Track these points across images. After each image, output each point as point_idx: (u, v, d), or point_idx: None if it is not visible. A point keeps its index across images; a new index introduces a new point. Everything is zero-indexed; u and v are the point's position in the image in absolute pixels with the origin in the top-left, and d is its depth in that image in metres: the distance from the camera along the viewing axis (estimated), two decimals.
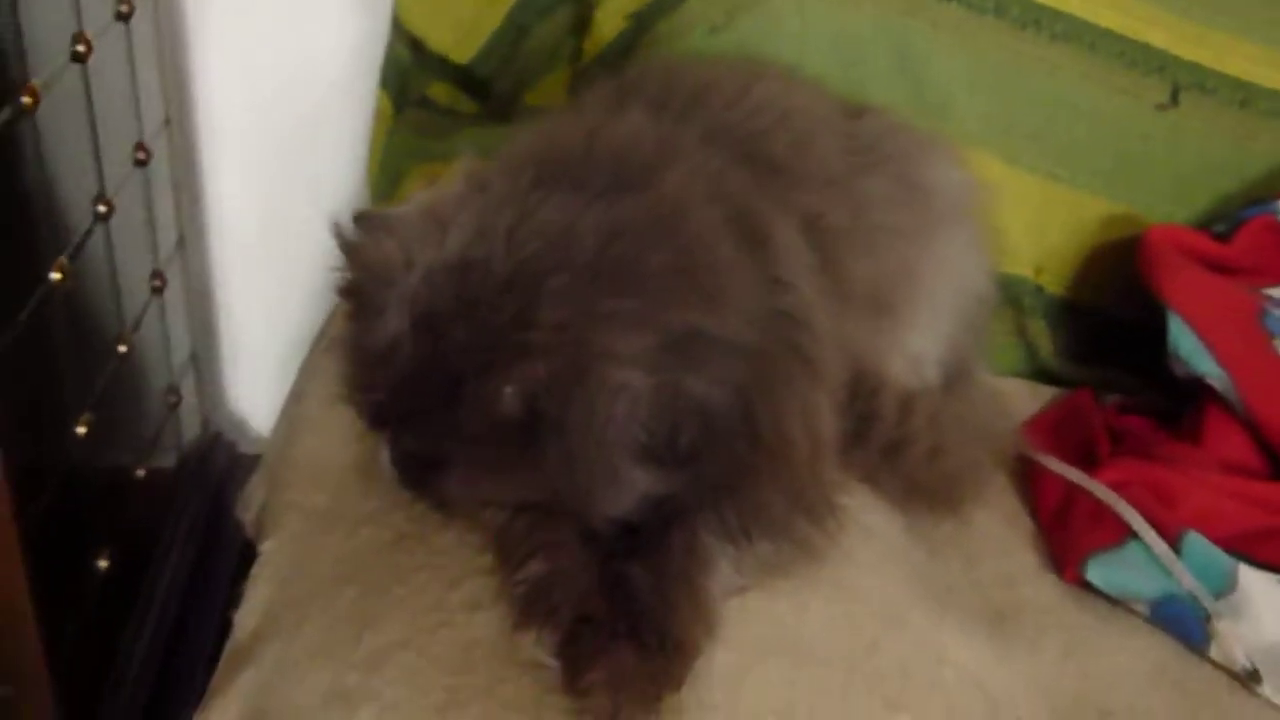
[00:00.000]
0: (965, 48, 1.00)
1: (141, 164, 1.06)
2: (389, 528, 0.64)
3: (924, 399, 0.79)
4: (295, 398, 0.87)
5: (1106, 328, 1.05)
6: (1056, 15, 1.01)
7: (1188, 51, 1.03)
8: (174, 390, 1.17)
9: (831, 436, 0.65)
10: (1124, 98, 1.03)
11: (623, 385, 0.56)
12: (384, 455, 0.62)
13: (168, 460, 1.18)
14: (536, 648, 0.56)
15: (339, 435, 0.72)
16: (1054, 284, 1.04)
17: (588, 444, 0.56)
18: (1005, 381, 1.02)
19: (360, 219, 0.63)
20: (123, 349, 1.01)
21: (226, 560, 1.17)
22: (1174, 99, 1.03)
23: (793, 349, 0.62)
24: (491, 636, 0.58)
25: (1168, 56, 1.02)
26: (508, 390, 0.56)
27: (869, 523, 0.74)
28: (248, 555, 0.74)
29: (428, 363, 0.57)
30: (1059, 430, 0.92)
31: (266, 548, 0.69)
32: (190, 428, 1.25)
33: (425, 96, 1.12)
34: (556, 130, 0.67)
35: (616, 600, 0.57)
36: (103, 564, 0.95)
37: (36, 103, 0.76)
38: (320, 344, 0.90)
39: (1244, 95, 1.03)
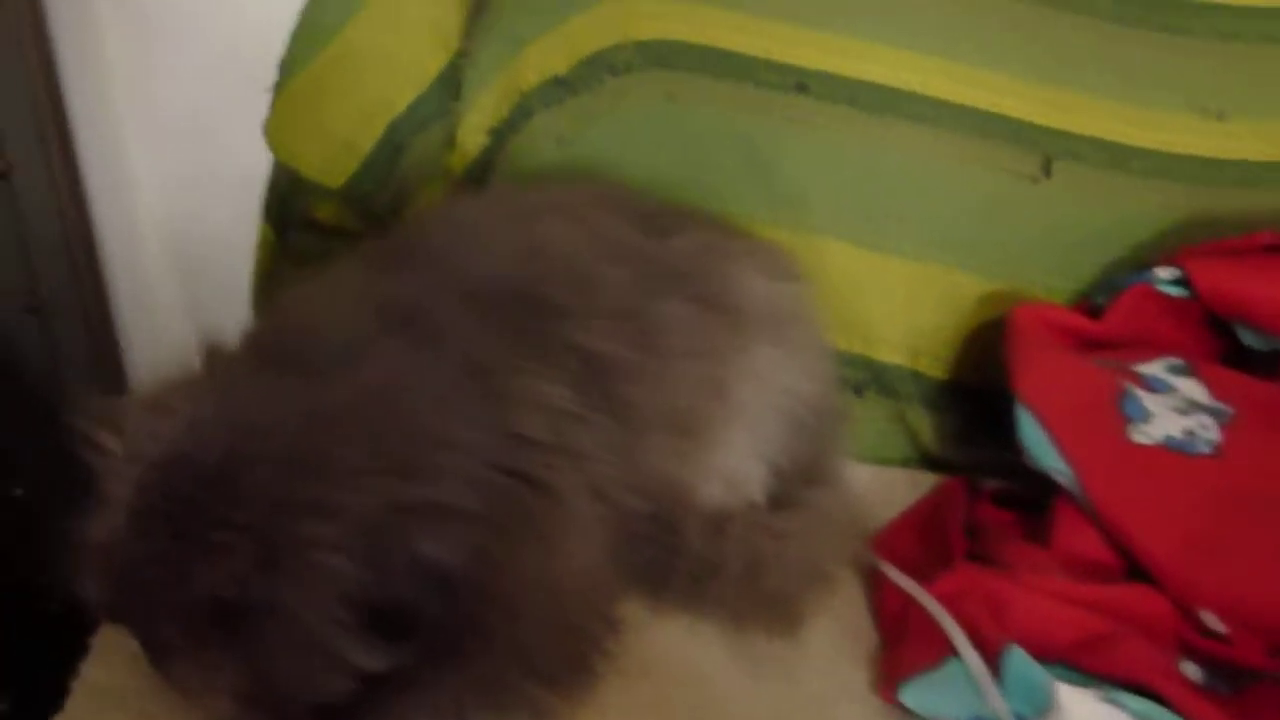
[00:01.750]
0: (820, 139, 0.99)
1: None
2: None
3: (738, 520, 0.78)
4: None
5: (990, 406, 1.02)
6: (912, 98, 1.00)
7: (1053, 119, 1.00)
8: None
9: (584, 587, 0.65)
10: (993, 173, 1.01)
11: (323, 568, 0.57)
12: None
13: None
14: None
15: None
16: (932, 367, 1.02)
17: (296, 630, 0.57)
18: (886, 472, 1.00)
19: (90, 411, 0.65)
20: None
21: None
22: (1046, 170, 1.01)
23: (525, 507, 0.62)
24: None
25: (1033, 127, 1.00)
26: (213, 583, 0.57)
27: (680, 654, 0.74)
28: None
29: (141, 560, 0.59)
30: (924, 528, 0.90)
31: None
32: None
33: (311, 219, 1.15)
34: (298, 305, 0.68)
35: None
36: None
37: None
38: None
39: (1116, 157, 1.00)
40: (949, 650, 0.75)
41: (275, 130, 1.10)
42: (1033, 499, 0.92)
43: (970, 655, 0.74)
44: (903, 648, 0.78)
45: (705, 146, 0.98)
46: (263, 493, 0.57)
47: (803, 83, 0.99)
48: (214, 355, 0.66)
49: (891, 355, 1.01)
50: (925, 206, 1.01)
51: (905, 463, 1.02)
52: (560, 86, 1.00)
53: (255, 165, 1.18)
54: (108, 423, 0.63)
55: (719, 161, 0.98)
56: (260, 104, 1.11)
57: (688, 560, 0.75)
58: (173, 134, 1.22)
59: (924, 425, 1.01)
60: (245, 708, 0.60)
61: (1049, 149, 1.00)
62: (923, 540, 0.89)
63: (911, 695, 0.74)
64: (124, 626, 0.62)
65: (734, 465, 0.80)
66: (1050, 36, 1.01)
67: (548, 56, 1.00)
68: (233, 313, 1.23)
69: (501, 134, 1.04)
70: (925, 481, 0.98)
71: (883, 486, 0.97)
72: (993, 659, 0.74)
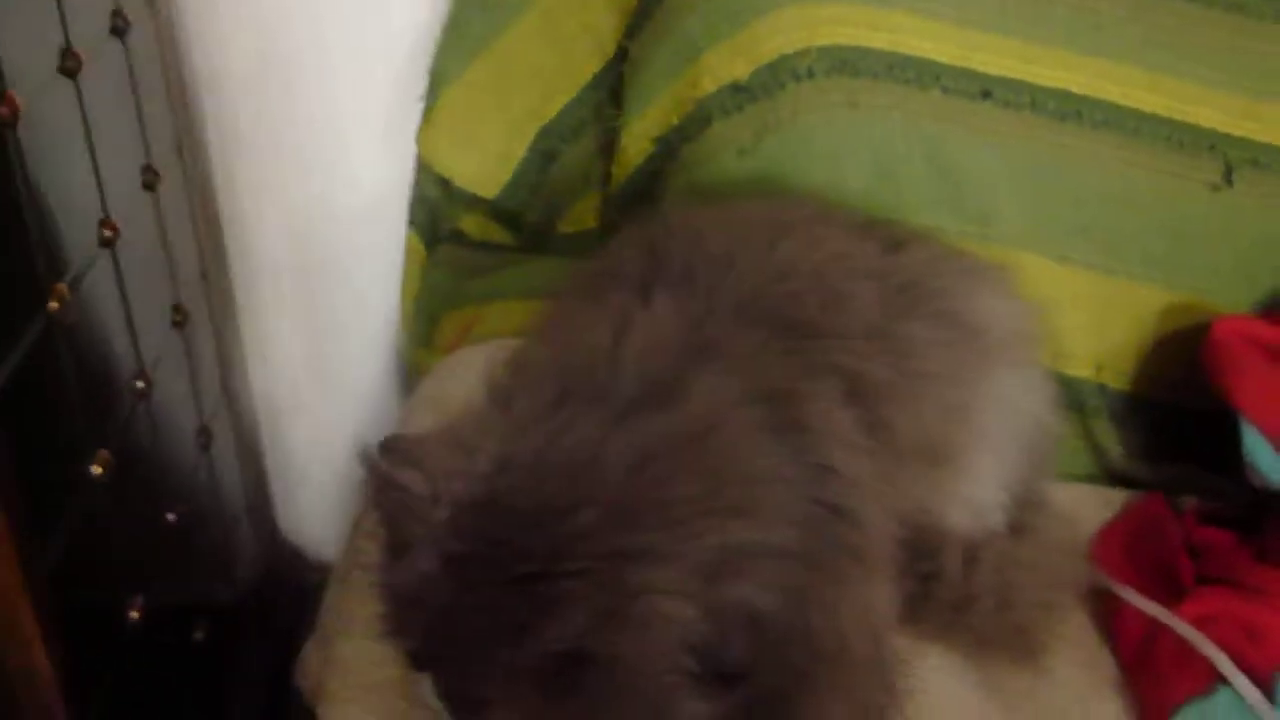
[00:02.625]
0: (1003, 148, 0.97)
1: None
2: None
3: (989, 549, 0.76)
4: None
5: (1177, 422, 1.01)
6: (1096, 104, 0.97)
7: (1236, 127, 0.98)
8: (204, 431, 1.11)
9: (889, 628, 0.62)
10: (1175, 181, 0.98)
11: (666, 617, 0.54)
12: (427, 687, 0.60)
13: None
14: None
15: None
16: (1118, 381, 1.00)
17: (637, 682, 0.54)
18: (1074, 488, 0.97)
19: (387, 448, 0.61)
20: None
21: None
22: (1227, 178, 0.99)
23: (841, 544, 0.59)
24: None
25: (1216, 135, 0.98)
26: (550, 637, 0.54)
27: (938, 687, 0.71)
28: None
29: (460, 607, 0.55)
30: (1133, 548, 0.88)
31: None
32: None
33: (457, 230, 1.11)
34: (579, 333, 0.65)
35: None
36: (134, 615, 0.87)
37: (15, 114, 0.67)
38: (343, 569, 0.89)
39: None
40: (1215, 677, 0.73)
41: (428, 140, 1.07)
42: (1237, 517, 0.90)
43: (1243, 683, 0.72)
44: (1158, 678, 0.76)
45: (890, 156, 0.96)
46: (593, 538, 0.54)
47: (987, 89, 0.96)
48: (497, 388, 0.62)
49: (1079, 369, 0.98)
50: (1111, 217, 0.98)
51: (1091, 479, 0.99)
52: (739, 93, 0.97)
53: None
54: (409, 461, 0.59)
55: (905, 171, 0.96)
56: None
57: (947, 590, 0.73)
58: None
59: (1111, 440, 0.99)
60: None
61: (1230, 156, 0.98)
62: (1132, 560, 0.86)
63: None
64: (433, 675, 0.58)
65: (980, 494, 0.77)
66: (1228, 42, 0.99)
67: (726, 62, 0.96)
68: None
69: (671, 142, 1.01)
70: (1116, 499, 0.96)
71: (1074, 503, 0.95)
72: (1264, 685, 0.72)
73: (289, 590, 1.30)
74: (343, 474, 1.32)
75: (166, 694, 0.96)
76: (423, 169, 1.10)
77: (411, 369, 1.11)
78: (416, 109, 1.07)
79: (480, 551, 0.55)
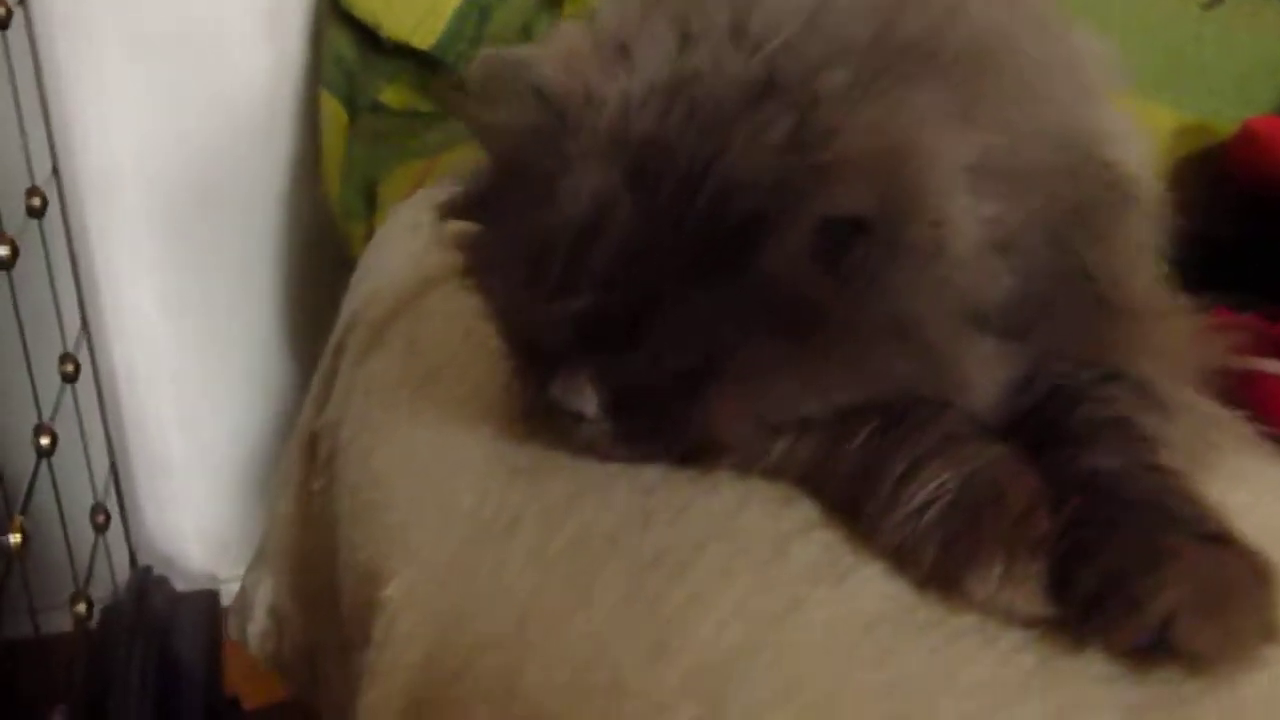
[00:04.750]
0: None
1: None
2: (598, 517, 0.43)
3: None
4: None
5: (1201, 252, 0.93)
6: None
7: None
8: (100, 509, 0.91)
9: None
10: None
11: (964, 211, 0.39)
12: (573, 405, 0.42)
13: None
14: (995, 594, 0.37)
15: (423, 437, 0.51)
16: None
17: (932, 299, 0.38)
18: None
19: (484, 62, 0.44)
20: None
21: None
22: None
23: (1113, 181, 0.46)
24: (885, 608, 0.38)
25: None
26: (808, 241, 0.38)
27: None
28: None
29: (661, 226, 0.39)
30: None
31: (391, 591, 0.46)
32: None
33: (377, 102, 0.94)
34: None
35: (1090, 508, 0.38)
36: None
37: None
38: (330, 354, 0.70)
39: None
40: None
41: None
42: None
43: None
44: None
45: None
46: (855, 100, 0.39)
47: None
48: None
49: None
50: (1115, 36, 0.92)
51: None
52: None
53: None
54: (522, 67, 0.42)
55: None
56: None
57: None
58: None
59: None
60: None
61: None
62: None
63: None
64: (614, 356, 0.40)
65: None
66: None
67: None
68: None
69: None
70: None
71: None
72: None
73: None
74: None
75: None
76: (335, 24, 0.92)
77: (345, 245, 0.92)
78: None
79: (683, 141, 0.39)
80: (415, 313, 0.62)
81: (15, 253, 0.75)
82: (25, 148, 0.87)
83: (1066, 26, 0.60)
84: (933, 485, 0.38)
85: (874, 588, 0.37)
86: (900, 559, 0.38)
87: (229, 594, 1.12)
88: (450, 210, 0.47)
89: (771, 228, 0.38)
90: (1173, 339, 0.47)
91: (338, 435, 0.60)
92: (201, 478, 1.13)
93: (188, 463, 1.12)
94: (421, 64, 0.94)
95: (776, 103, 0.39)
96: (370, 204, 0.88)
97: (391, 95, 0.95)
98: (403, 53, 0.93)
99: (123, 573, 1.03)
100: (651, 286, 0.39)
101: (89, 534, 0.94)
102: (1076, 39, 0.67)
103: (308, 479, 0.67)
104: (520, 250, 0.41)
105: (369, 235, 0.84)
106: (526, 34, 0.95)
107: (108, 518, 0.95)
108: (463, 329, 0.57)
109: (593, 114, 0.41)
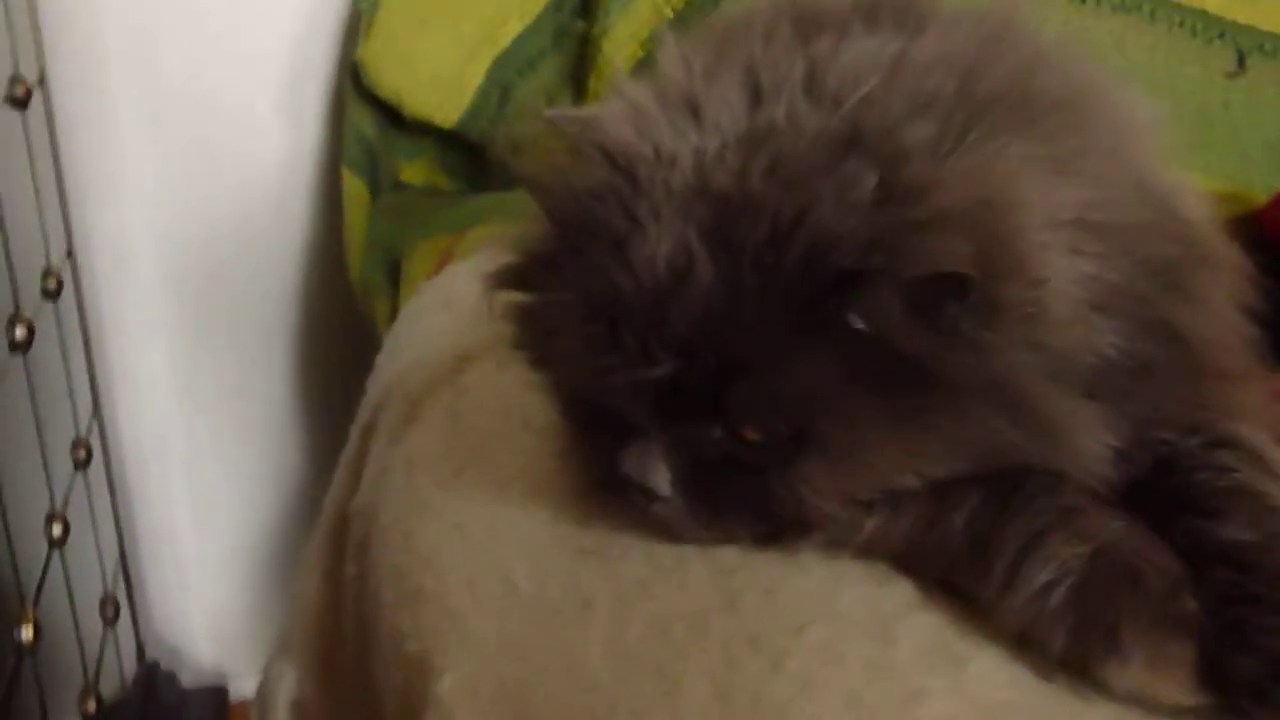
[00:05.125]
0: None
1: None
2: (677, 600, 0.40)
3: None
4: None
5: None
6: None
7: (1243, 15, 0.95)
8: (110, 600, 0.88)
9: None
10: (1194, 67, 0.94)
11: (1064, 269, 0.37)
12: (646, 481, 0.39)
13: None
14: (1139, 682, 0.34)
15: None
16: None
17: (1035, 362, 0.36)
18: None
19: (547, 122, 0.42)
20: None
21: None
22: (1241, 64, 0.94)
23: (1195, 239, 0.44)
24: (1011, 697, 0.35)
25: (1224, 22, 0.95)
26: (901, 299, 0.36)
27: None
28: None
29: (745, 287, 0.36)
30: None
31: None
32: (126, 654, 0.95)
33: (399, 182, 0.93)
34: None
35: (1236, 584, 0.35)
36: None
37: None
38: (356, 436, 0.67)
39: None
40: None
41: (371, 58, 0.89)
42: None
43: None
44: None
45: None
46: (944, 153, 0.37)
47: None
48: (687, 54, 0.44)
49: None
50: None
51: None
52: None
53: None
54: (588, 125, 0.41)
55: None
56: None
57: None
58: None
59: None
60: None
61: (1241, 43, 0.94)
62: None
63: None
64: (694, 424, 0.38)
65: None
66: None
67: None
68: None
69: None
70: None
71: None
72: None
73: None
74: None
75: None
76: (357, 103, 0.91)
77: (368, 323, 0.90)
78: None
79: (761, 196, 0.37)
80: (454, 388, 0.59)
81: (31, 335, 0.73)
82: (42, 228, 0.85)
83: (1123, 86, 0.58)
84: (1056, 563, 0.35)
85: (996, 676, 0.34)
86: (1025, 644, 0.35)
87: (237, 690, 1.09)
88: (501, 280, 0.46)
89: (865, 285, 0.36)
90: (1263, 402, 0.44)
91: (375, 518, 0.57)
92: (212, 567, 1.10)
93: (199, 552, 1.09)
94: (442, 142, 0.93)
95: (862, 157, 0.37)
96: (394, 280, 0.86)
97: (411, 173, 0.94)
98: (424, 130, 0.92)
99: (130, 665, 0.99)
100: (738, 351, 0.37)
101: (98, 626, 0.90)
102: (1132, 98, 0.66)
103: (337, 566, 0.64)
104: (587, 316, 0.39)
105: (393, 312, 0.82)
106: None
107: (117, 610, 0.91)
108: (506, 405, 0.55)
109: (664, 172, 0.39)
